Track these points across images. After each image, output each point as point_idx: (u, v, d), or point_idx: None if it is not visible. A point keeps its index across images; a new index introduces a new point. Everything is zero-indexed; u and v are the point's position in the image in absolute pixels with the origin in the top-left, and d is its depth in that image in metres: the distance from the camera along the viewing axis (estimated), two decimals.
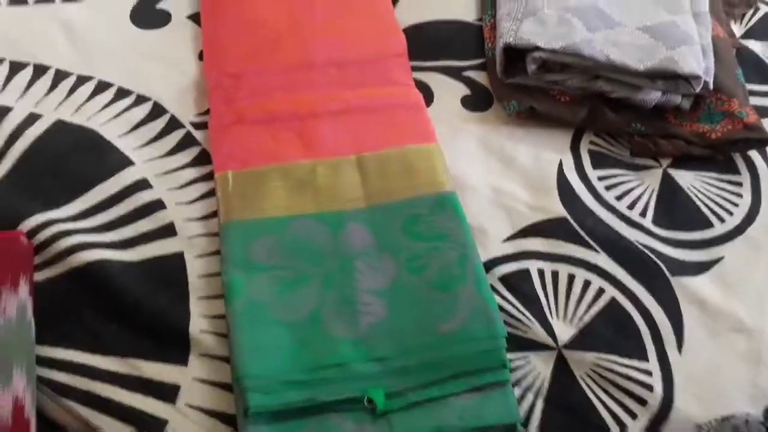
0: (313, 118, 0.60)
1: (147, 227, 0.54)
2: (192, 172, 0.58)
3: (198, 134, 0.60)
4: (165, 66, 0.64)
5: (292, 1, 0.68)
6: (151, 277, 0.50)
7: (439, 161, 0.58)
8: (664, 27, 0.62)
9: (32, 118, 0.59)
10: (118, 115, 0.60)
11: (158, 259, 0.52)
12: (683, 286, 0.54)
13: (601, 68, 0.61)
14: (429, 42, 0.69)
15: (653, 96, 0.62)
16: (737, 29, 0.73)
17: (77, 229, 0.52)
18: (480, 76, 0.67)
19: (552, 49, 0.61)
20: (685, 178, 0.61)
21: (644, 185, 0.61)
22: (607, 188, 0.60)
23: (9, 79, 0.61)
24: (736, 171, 0.62)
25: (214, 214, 0.55)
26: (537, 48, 0.61)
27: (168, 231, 0.53)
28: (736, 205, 0.60)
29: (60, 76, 0.62)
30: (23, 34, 0.65)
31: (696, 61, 0.60)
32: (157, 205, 0.55)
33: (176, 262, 0.52)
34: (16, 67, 0.62)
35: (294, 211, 0.54)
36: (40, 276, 0.50)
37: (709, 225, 0.58)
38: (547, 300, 0.53)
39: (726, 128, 0.62)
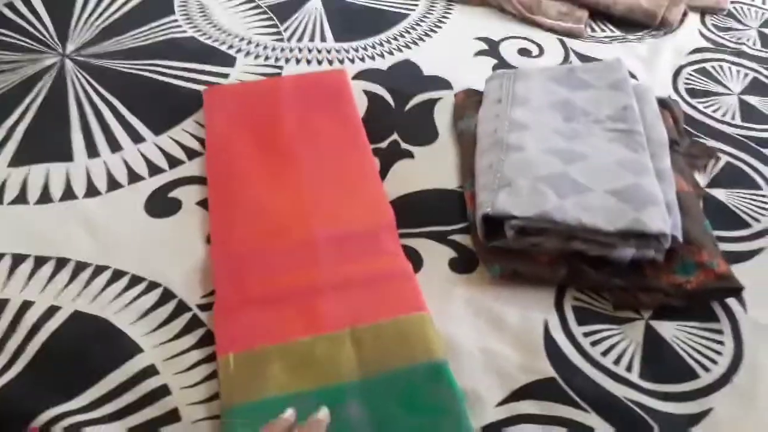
0: (314, 294, 0.65)
1: (153, 414, 0.56)
2: (197, 354, 0.61)
3: (203, 315, 0.64)
4: (175, 251, 0.70)
5: (293, 186, 0.76)
6: None
7: (430, 329, 0.61)
8: (630, 189, 0.68)
9: (51, 311, 0.64)
10: (130, 303, 0.65)
11: None
12: None
13: (575, 231, 0.66)
14: (416, 210, 0.75)
15: (627, 252, 0.66)
16: (702, 179, 0.78)
17: (88, 420, 0.55)
18: (465, 239, 0.72)
19: (527, 216, 0.66)
20: (668, 329, 0.64)
21: (628, 339, 0.63)
22: (593, 344, 0.62)
23: (33, 273, 0.67)
24: (715, 319, 0.64)
25: (216, 396, 0.58)
26: (513, 216, 0.66)
27: (173, 416, 0.56)
28: (719, 353, 0.62)
29: (79, 267, 0.68)
30: (47, 231, 0.72)
31: (662, 219, 0.65)
32: (163, 391, 0.58)
33: None
34: (40, 262, 0.68)
35: (294, 389, 0.57)
36: None
37: (695, 375, 0.60)
38: None
39: (700, 278, 0.65)
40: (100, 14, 1.05)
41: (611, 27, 1.06)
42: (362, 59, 0.98)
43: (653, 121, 0.80)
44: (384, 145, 0.84)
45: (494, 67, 0.96)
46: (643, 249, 0.66)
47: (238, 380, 0.57)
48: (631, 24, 1.06)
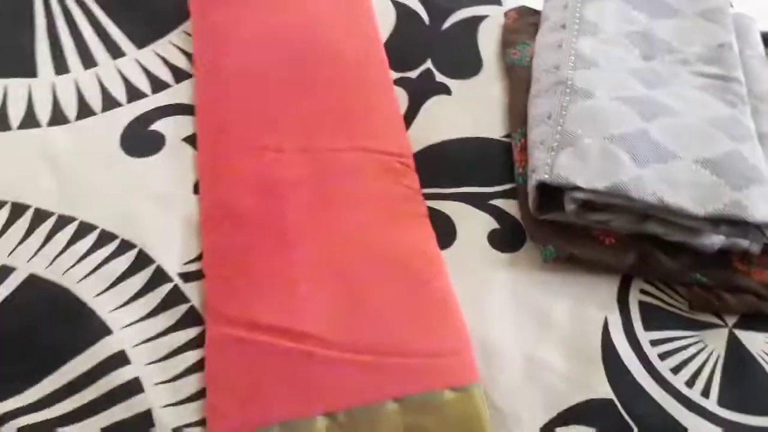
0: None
1: (121, 415, 0.46)
2: (177, 338, 0.50)
3: (186, 288, 0.53)
4: (154, 202, 0.57)
5: (297, 116, 0.62)
6: None
7: (483, 410, 0.46)
8: (727, 159, 0.53)
9: (4, 272, 0.52)
10: (98, 267, 0.53)
11: None
12: None
13: (653, 210, 0.52)
14: (450, 164, 0.61)
15: (715, 240, 0.53)
16: None
17: (42, 421, 0.45)
18: (509, 205, 0.59)
19: (594, 189, 0.52)
20: (757, 342, 0.51)
21: (707, 351, 0.51)
22: (662, 357, 0.51)
23: None
24: None
25: (197, 396, 0.47)
26: (576, 187, 0.52)
27: (144, 421, 0.46)
28: None
29: (39, 216, 0.56)
30: (3, 166, 0.59)
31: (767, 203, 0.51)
32: (134, 387, 0.47)
33: None
34: None
35: None
36: None
37: None
38: None
39: None
40: None
41: None
42: None
43: (756, 66, 0.64)
44: (414, 74, 0.68)
45: None
46: (735, 238, 0.52)
47: None
48: None
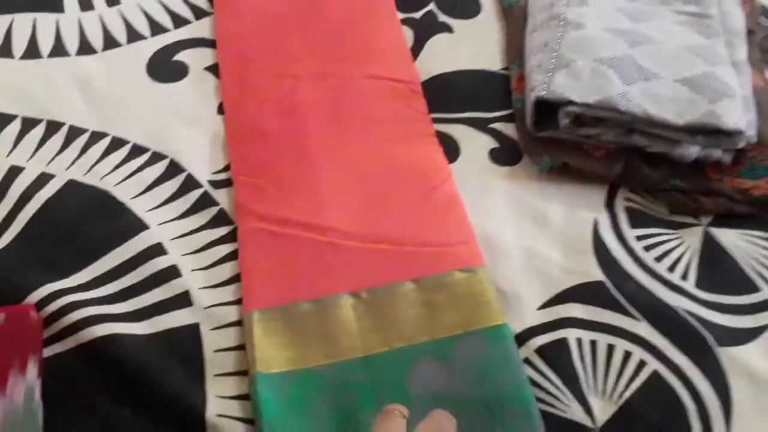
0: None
1: (161, 296, 0.51)
2: (209, 235, 0.55)
3: (216, 193, 0.57)
4: (182, 120, 0.62)
5: (314, 49, 0.67)
6: (165, 352, 0.48)
7: (489, 288, 0.52)
8: (703, 78, 0.59)
9: (43, 179, 0.57)
10: (132, 174, 0.58)
11: (172, 331, 0.49)
12: (731, 357, 0.51)
13: (638, 122, 0.58)
14: (453, 93, 0.67)
15: (692, 150, 0.59)
16: None
17: (87, 299, 0.50)
18: (508, 128, 0.65)
19: (586, 103, 0.58)
20: (729, 238, 0.58)
21: (685, 245, 0.57)
22: (646, 249, 0.56)
23: (21, 136, 0.60)
24: None
25: (230, 281, 0.52)
26: (570, 102, 0.58)
27: (183, 301, 0.51)
28: None
29: (74, 132, 0.60)
30: (37, 89, 0.63)
31: (738, 114, 0.57)
32: (172, 273, 0.52)
33: (191, 335, 0.49)
34: (28, 124, 0.60)
35: (338, 358, 0.48)
36: (48, 351, 0.47)
37: (755, 289, 0.55)
38: (585, 374, 0.49)
39: None
40: None
41: None
42: None
43: (729, 5, 0.70)
44: (418, 15, 0.74)
45: None
46: (710, 147, 0.59)
47: (265, 345, 0.48)
48: None
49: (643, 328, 0.52)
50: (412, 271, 0.52)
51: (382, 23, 0.71)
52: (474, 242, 0.55)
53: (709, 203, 0.59)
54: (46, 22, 0.69)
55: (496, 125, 0.65)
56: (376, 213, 0.55)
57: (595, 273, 0.54)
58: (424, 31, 0.72)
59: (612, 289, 0.53)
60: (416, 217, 0.55)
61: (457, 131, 0.64)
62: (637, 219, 0.58)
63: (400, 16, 0.73)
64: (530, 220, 0.58)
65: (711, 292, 0.54)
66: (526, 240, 0.56)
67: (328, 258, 0.52)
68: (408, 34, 0.71)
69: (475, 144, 0.63)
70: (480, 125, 0.65)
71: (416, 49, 0.70)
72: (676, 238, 0.57)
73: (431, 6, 0.74)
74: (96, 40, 0.68)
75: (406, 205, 0.56)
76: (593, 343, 0.51)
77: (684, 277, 0.55)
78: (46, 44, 0.67)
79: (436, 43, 0.71)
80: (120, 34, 0.69)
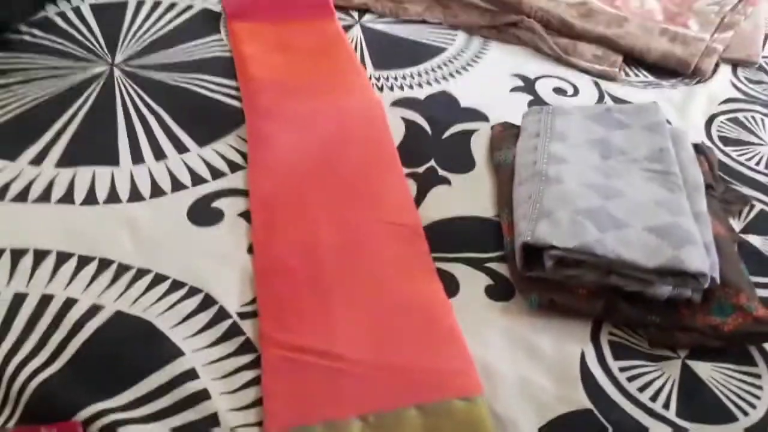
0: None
1: (192, 417, 0.56)
2: (237, 361, 0.62)
3: (244, 324, 0.65)
4: (216, 259, 0.71)
5: (331, 200, 0.78)
6: None
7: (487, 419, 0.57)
8: (668, 227, 0.69)
9: (94, 310, 0.64)
10: (172, 306, 0.66)
11: None
12: None
13: (614, 265, 0.67)
14: (452, 236, 0.76)
15: (664, 290, 0.67)
16: (736, 225, 0.79)
17: (128, 419, 0.55)
18: (501, 268, 0.73)
19: (566, 248, 0.67)
20: (704, 370, 0.64)
21: (665, 376, 0.63)
22: (629, 379, 0.62)
23: (77, 272, 0.68)
24: (753, 363, 0.64)
25: (255, 403, 0.58)
26: (553, 246, 0.67)
27: (212, 421, 0.56)
28: (757, 397, 0.62)
29: (121, 268, 0.69)
30: (92, 231, 0.73)
31: (700, 258, 0.66)
32: (203, 395, 0.58)
33: None
34: (83, 262, 0.69)
35: None
36: None
37: (733, 418, 0.60)
38: None
39: (737, 321, 0.65)
40: (148, 29, 1.08)
41: (645, 72, 1.09)
42: (401, 88, 1.01)
43: (689, 164, 0.81)
44: (421, 170, 0.85)
45: (530, 104, 0.98)
46: (680, 288, 0.67)
47: None
48: (664, 71, 1.09)
49: None
50: (417, 396, 0.58)
51: (389, 176, 0.82)
52: (474, 372, 0.61)
53: (684, 338, 0.66)
54: (103, 173, 0.80)
55: (491, 264, 0.73)
56: (383, 341, 0.62)
57: (583, 401, 0.60)
58: (426, 183, 0.83)
59: (599, 416, 0.59)
60: (420, 345, 0.62)
61: (457, 270, 0.73)
62: (620, 351, 0.65)
63: (405, 171, 0.85)
64: (523, 351, 0.65)
65: (692, 421, 0.59)
66: (520, 370, 0.63)
67: (339, 383, 0.59)
68: (412, 186, 0.82)
69: (473, 281, 0.71)
70: (476, 264, 0.73)
71: (419, 199, 0.81)
72: (656, 370, 0.64)
73: (432, 162, 0.86)
74: (144, 188, 0.79)
75: (410, 334, 0.63)
76: None
77: (666, 406, 0.60)
78: (102, 192, 0.78)
79: (436, 193, 0.82)
80: (165, 184, 0.80)
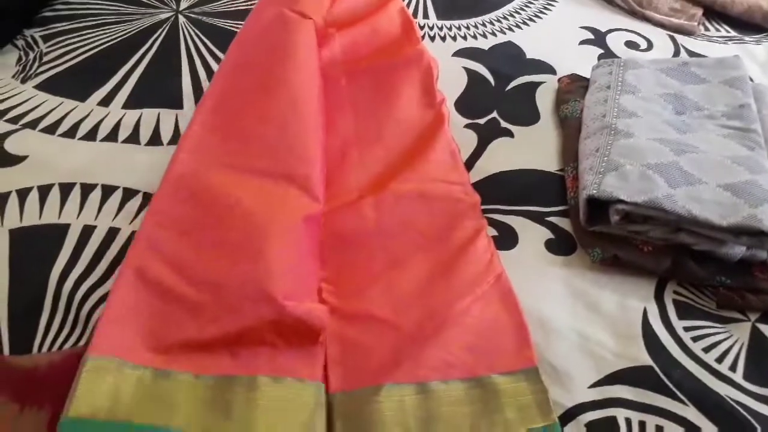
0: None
1: None
2: None
3: None
4: None
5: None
6: None
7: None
8: (745, 185, 0.65)
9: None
10: None
11: None
12: None
13: (684, 222, 0.63)
14: (512, 189, 0.74)
15: (738, 250, 0.63)
16: None
17: None
18: (563, 222, 0.71)
19: (634, 202, 0.64)
20: None
21: (733, 338, 0.60)
22: (694, 339, 0.60)
23: (141, 208, 0.70)
24: None
25: None
26: (619, 201, 0.64)
27: None
28: None
29: None
30: (156, 171, 0.74)
31: None
32: None
33: None
34: (147, 198, 0.71)
35: None
36: None
37: None
38: None
39: None
40: None
41: (727, 27, 1.02)
42: (464, 38, 0.98)
43: None
44: (482, 121, 0.83)
45: (600, 57, 0.94)
46: (755, 248, 0.63)
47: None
48: (748, 25, 1.01)
49: (691, 413, 0.54)
50: (471, 370, 0.57)
51: (435, 135, 0.79)
52: (530, 346, 0.59)
53: (755, 301, 0.62)
54: (168, 116, 0.82)
55: (552, 219, 0.71)
56: (435, 313, 0.61)
57: (644, 358, 0.58)
58: (487, 135, 0.81)
59: (660, 374, 0.57)
60: (471, 318, 0.61)
61: (515, 222, 0.71)
62: (686, 311, 0.62)
63: (466, 121, 0.83)
64: (583, 306, 0.63)
65: (760, 386, 0.57)
66: (578, 324, 0.61)
67: (396, 348, 0.59)
68: (472, 138, 0.80)
69: (532, 234, 0.70)
70: (537, 218, 0.71)
71: (479, 151, 0.79)
72: (724, 332, 0.61)
73: (494, 114, 0.84)
74: None
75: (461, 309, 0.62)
76: (642, 424, 0.54)
77: (732, 368, 0.58)
78: (166, 134, 0.79)
79: (498, 146, 0.80)
80: None
